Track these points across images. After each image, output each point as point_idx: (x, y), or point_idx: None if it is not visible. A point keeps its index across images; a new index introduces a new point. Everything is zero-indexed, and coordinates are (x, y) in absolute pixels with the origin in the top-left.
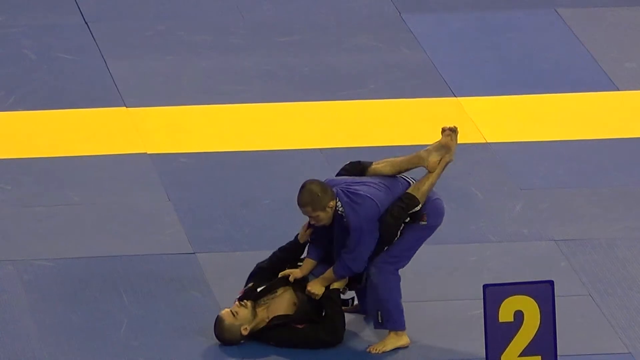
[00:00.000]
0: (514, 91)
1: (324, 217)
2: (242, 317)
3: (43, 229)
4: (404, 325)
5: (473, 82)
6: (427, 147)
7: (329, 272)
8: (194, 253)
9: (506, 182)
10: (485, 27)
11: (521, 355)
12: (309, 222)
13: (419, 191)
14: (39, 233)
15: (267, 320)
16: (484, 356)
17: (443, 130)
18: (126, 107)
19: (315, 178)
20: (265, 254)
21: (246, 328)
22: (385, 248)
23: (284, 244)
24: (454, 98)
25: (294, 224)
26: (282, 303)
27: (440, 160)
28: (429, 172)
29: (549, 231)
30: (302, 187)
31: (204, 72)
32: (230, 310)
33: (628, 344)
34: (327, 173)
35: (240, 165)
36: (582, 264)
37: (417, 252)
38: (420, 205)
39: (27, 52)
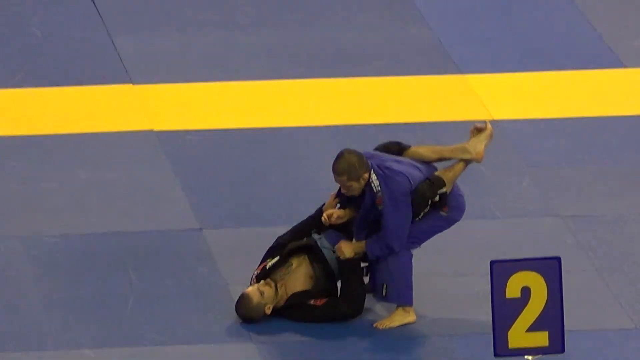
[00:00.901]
0: (521, 68)
1: (357, 187)
2: (268, 296)
3: (50, 206)
4: (412, 301)
5: (480, 59)
6: (469, 141)
7: (363, 244)
8: (200, 229)
9: (513, 159)
10: (492, 4)
11: (528, 330)
12: (337, 192)
13: (446, 175)
14: (46, 209)
15: (286, 298)
16: (491, 332)
17: (475, 128)
18: (133, 84)
19: (352, 148)
20: (271, 231)
21: (269, 307)
22: None
23: (304, 218)
24: (461, 75)
25: (300, 201)
26: (299, 278)
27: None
28: (477, 161)
29: (555, 208)
30: (340, 155)
31: (210, 49)
32: (258, 289)
33: (635, 320)
34: (334, 150)
35: (246, 142)
36: (589, 240)
37: None
38: (446, 188)
39: (33, 30)
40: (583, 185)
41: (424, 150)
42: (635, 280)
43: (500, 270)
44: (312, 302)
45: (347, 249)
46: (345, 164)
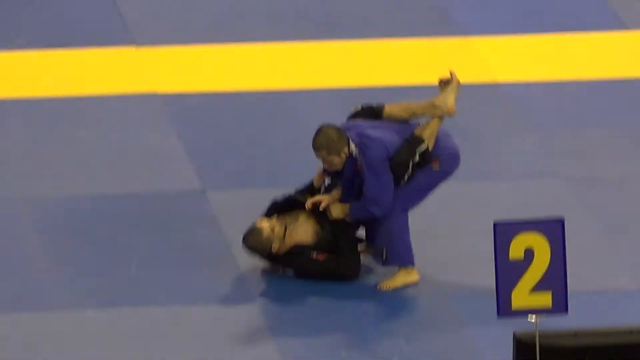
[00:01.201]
0: (525, 30)
1: (338, 161)
2: (278, 235)
3: (53, 168)
4: (413, 261)
5: (483, 21)
6: (438, 96)
7: (348, 208)
8: (203, 191)
9: (516, 121)
10: None
11: (532, 291)
12: (322, 169)
13: (424, 132)
14: (49, 171)
15: (290, 246)
16: (495, 293)
17: (441, 80)
18: (136, 46)
19: (329, 122)
20: (273, 192)
21: (276, 246)
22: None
23: (299, 186)
24: (463, 37)
25: (302, 163)
26: (304, 230)
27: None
28: (449, 115)
29: (559, 169)
30: (319, 130)
31: (214, 11)
32: (270, 224)
33: (639, 281)
34: (336, 112)
35: (249, 104)
36: (592, 201)
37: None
38: (427, 145)
39: None
40: (586, 146)
41: (397, 110)
42: (638, 241)
43: (504, 232)
44: (314, 255)
45: (336, 209)
46: (324, 139)
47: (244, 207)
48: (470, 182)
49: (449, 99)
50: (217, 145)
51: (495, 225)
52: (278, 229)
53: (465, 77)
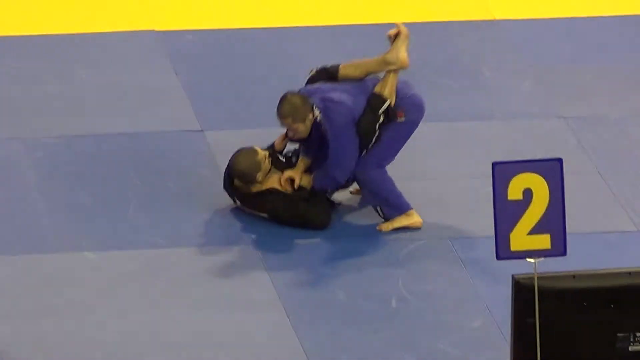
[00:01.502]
0: None
1: (303, 129)
2: (266, 167)
3: (51, 107)
4: (408, 206)
5: None
6: (388, 50)
7: (312, 184)
8: (201, 130)
9: (514, 59)
10: None
11: (530, 233)
12: (285, 133)
13: (384, 89)
14: (47, 110)
15: (266, 188)
16: (493, 234)
17: (389, 35)
18: None
19: (293, 90)
20: (272, 132)
21: (261, 176)
22: (365, 151)
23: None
24: None
25: None
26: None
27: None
28: (403, 69)
29: (557, 109)
30: (283, 98)
31: None
32: (265, 153)
33: (637, 222)
34: (334, 50)
35: (248, 43)
36: (591, 141)
37: (425, 129)
38: (390, 102)
39: None
40: (585, 86)
41: (351, 69)
42: (637, 182)
43: (502, 172)
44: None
45: (305, 180)
46: (289, 106)
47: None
48: (468, 122)
49: (400, 52)
50: (215, 83)
51: (493, 165)
52: (268, 162)
53: (463, 14)
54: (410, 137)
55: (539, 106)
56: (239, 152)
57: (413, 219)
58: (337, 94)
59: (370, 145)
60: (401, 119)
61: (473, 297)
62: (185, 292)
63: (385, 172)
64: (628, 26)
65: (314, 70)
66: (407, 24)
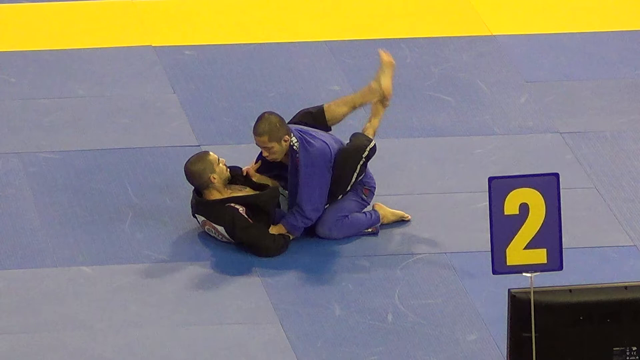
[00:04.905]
0: None
1: (278, 149)
2: (221, 171)
3: (48, 122)
4: (377, 219)
5: None
6: (373, 80)
7: (282, 225)
8: (199, 146)
9: (511, 74)
10: None
11: (526, 247)
12: (258, 157)
13: (369, 130)
14: (44, 126)
15: (227, 196)
16: (490, 248)
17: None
18: None
19: (272, 111)
20: None
21: (215, 178)
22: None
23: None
24: None
25: None
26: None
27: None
28: (386, 98)
29: (554, 123)
30: (261, 117)
31: None
32: (217, 157)
33: (633, 237)
34: (332, 65)
35: (245, 58)
36: (587, 156)
37: (422, 144)
38: (374, 143)
39: None
40: (582, 100)
41: (337, 106)
42: (633, 197)
43: (499, 187)
44: (245, 215)
45: (275, 229)
46: (266, 124)
47: (239, 162)
48: (465, 137)
49: (383, 80)
50: (213, 98)
51: (490, 180)
52: (223, 170)
53: (460, 29)
54: (406, 152)
55: (535, 121)
56: (190, 158)
57: (388, 215)
58: (317, 133)
59: (337, 197)
60: (365, 195)
61: (470, 312)
62: (182, 306)
63: (340, 219)
64: (624, 42)
65: (300, 114)
66: (404, 39)
